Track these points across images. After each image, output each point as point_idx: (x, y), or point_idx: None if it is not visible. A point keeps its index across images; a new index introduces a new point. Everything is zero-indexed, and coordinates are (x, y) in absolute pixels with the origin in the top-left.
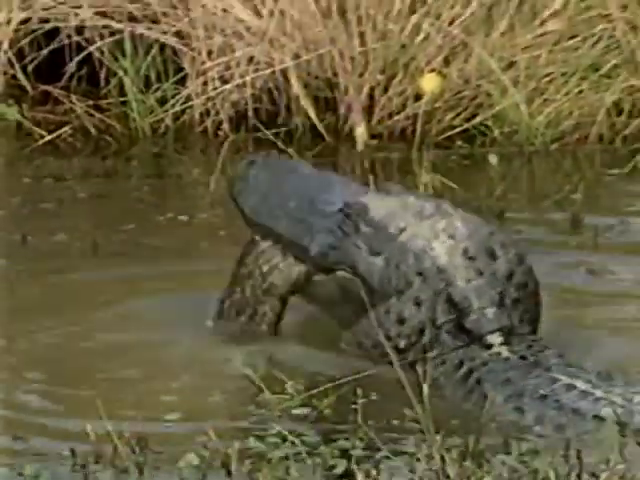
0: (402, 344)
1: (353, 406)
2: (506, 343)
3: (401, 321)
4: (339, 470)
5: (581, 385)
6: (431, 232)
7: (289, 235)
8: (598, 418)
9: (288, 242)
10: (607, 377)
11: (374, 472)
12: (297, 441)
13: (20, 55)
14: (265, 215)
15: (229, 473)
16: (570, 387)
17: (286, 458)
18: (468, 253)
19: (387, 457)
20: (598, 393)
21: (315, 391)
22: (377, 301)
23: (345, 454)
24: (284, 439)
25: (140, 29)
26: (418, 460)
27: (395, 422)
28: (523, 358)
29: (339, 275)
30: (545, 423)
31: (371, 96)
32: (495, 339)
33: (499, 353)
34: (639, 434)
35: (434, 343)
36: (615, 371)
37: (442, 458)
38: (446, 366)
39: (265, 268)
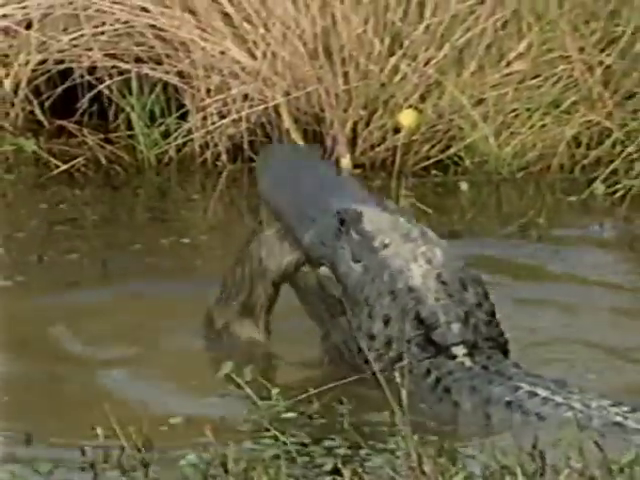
0: (371, 356)
1: (338, 410)
2: (469, 355)
3: (371, 337)
4: (327, 468)
5: (542, 392)
6: (411, 254)
7: (291, 221)
8: (560, 422)
9: (288, 227)
10: (563, 385)
11: (359, 469)
12: (288, 442)
13: (37, 93)
14: (274, 197)
15: (226, 471)
16: (532, 394)
17: (278, 457)
18: (441, 278)
19: (370, 455)
20: (558, 399)
21: (301, 397)
22: (348, 303)
23: (332, 453)
24: (276, 440)
25: (145, 69)
26: (397, 458)
27: (376, 424)
28: (485, 368)
29: (321, 273)
30: (511, 427)
31: (354, 130)
32: (459, 350)
33: (463, 363)
34: (597, 436)
35: (404, 355)
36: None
37: (419, 456)
38: (414, 375)
39: (263, 254)
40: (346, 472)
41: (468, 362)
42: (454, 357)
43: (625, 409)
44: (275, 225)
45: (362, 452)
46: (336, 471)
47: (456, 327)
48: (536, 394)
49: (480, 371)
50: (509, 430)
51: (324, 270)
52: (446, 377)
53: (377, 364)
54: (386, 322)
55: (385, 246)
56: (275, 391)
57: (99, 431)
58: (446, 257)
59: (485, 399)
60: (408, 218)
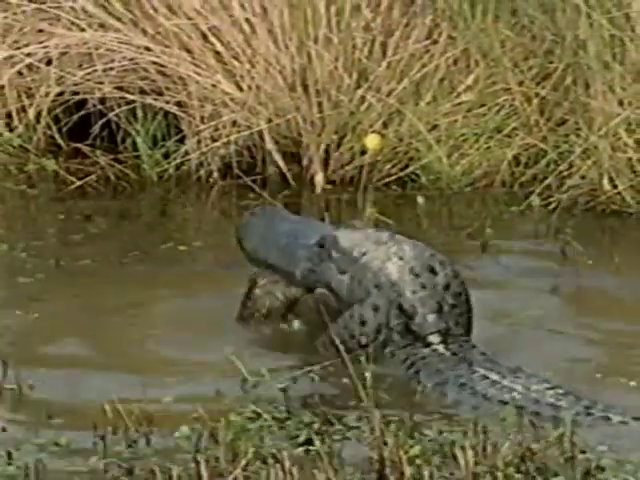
0: (363, 341)
1: (313, 389)
2: (443, 342)
3: (363, 323)
4: (301, 439)
5: (493, 376)
6: (385, 255)
7: (280, 265)
8: (502, 402)
9: (279, 270)
10: (515, 370)
11: (329, 440)
12: (269, 417)
13: (56, 120)
14: (262, 251)
15: (216, 442)
16: (484, 377)
17: (260, 430)
18: (414, 271)
19: (339, 429)
20: (505, 383)
21: (284, 377)
22: (345, 309)
23: (306, 427)
24: (259, 415)
25: (149, 100)
26: (363, 432)
27: (346, 402)
28: (454, 354)
29: (317, 293)
30: (462, 405)
31: (327, 151)
32: (434, 339)
33: (436, 350)
34: (533, 414)
35: (388, 342)
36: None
37: (381, 430)
38: (394, 360)
39: (264, 311)
40: (317, 443)
41: (441, 349)
42: (430, 344)
43: (560, 392)
44: (264, 275)
45: (332, 426)
46: (309, 442)
47: (431, 317)
48: (487, 377)
49: (449, 357)
50: (460, 408)
51: (320, 291)
52: (419, 361)
53: (367, 348)
54: (375, 309)
55: (363, 254)
56: (264, 369)
57: (107, 409)
58: (414, 251)
59: (444, 380)
60: (375, 228)
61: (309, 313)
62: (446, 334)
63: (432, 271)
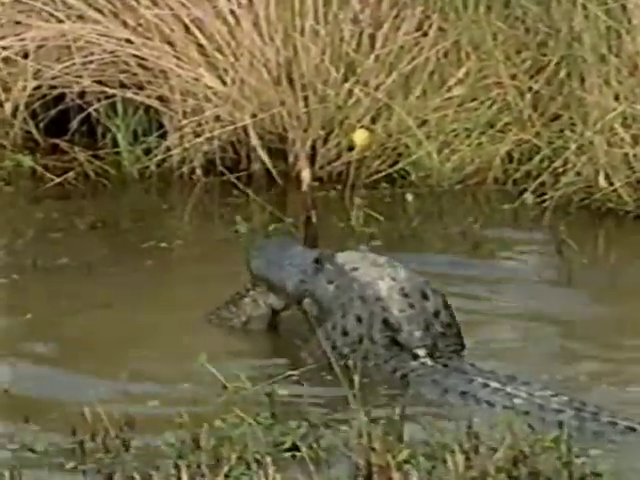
0: (345, 351)
1: (299, 393)
2: (430, 355)
3: (345, 333)
4: (287, 445)
5: (494, 384)
6: (378, 274)
7: (276, 281)
8: (507, 408)
9: (275, 285)
10: (513, 378)
11: (315, 445)
12: (253, 422)
13: (34, 115)
14: (264, 270)
15: (199, 448)
16: (485, 385)
17: (244, 436)
18: (404, 291)
19: (325, 434)
20: (508, 390)
21: (267, 383)
22: (325, 316)
23: (292, 432)
24: (242, 420)
25: (129, 94)
26: (351, 437)
27: (333, 406)
28: (445, 366)
29: (304, 303)
30: (463, 411)
31: (313, 147)
32: (421, 352)
33: (424, 362)
34: (538, 420)
35: (370, 355)
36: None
37: (369, 434)
38: (382, 373)
39: (243, 318)
40: (303, 448)
41: (430, 362)
42: (417, 357)
43: (565, 399)
44: (256, 288)
45: (319, 431)
46: (295, 447)
47: (418, 333)
48: (488, 385)
49: (441, 368)
50: (451, 413)
51: (307, 301)
52: (410, 374)
53: (348, 358)
54: (358, 320)
55: (354, 269)
56: (243, 376)
57: (87, 413)
58: (409, 275)
59: (443, 390)
60: (376, 254)
61: (294, 324)
62: (433, 348)
63: (424, 296)
